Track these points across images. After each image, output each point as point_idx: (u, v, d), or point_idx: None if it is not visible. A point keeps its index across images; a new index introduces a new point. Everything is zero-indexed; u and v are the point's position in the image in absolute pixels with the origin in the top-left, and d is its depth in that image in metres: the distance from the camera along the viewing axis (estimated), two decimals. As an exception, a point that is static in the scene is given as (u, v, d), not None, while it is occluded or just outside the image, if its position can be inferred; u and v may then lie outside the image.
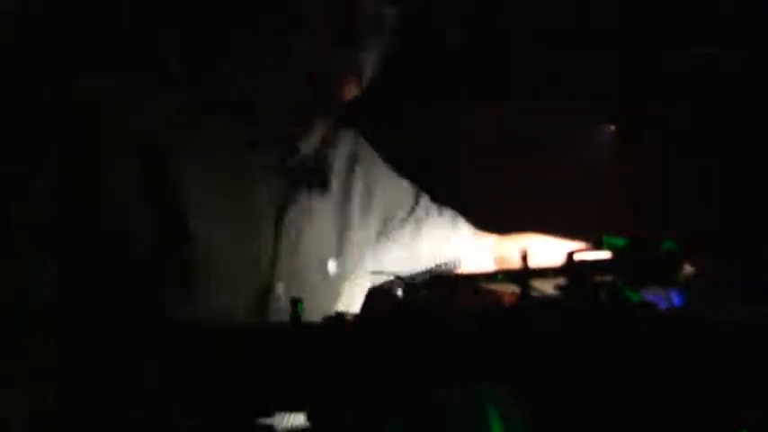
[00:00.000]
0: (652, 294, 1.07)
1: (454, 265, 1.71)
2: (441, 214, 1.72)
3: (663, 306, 1.06)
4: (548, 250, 1.65)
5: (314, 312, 1.39)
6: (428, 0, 1.55)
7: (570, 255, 1.06)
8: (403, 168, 1.76)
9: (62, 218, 1.32)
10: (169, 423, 1.34)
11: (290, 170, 1.46)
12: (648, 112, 2.15)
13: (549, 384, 0.97)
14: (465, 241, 1.72)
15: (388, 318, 1.04)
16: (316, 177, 1.50)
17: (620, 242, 1.07)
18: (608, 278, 1.04)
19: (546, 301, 1.05)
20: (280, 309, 1.40)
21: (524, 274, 1.07)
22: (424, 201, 1.71)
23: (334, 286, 1.51)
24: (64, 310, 1.31)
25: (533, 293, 1.07)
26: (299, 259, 1.46)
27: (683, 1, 2.09)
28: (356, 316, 1.05)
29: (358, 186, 1.61)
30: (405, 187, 1.70)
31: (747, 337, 0.96)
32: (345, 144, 1.62)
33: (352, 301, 1.52)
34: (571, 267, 1.06)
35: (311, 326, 1.06)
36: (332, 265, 1.51)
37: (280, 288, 1.42)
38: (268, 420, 1.08)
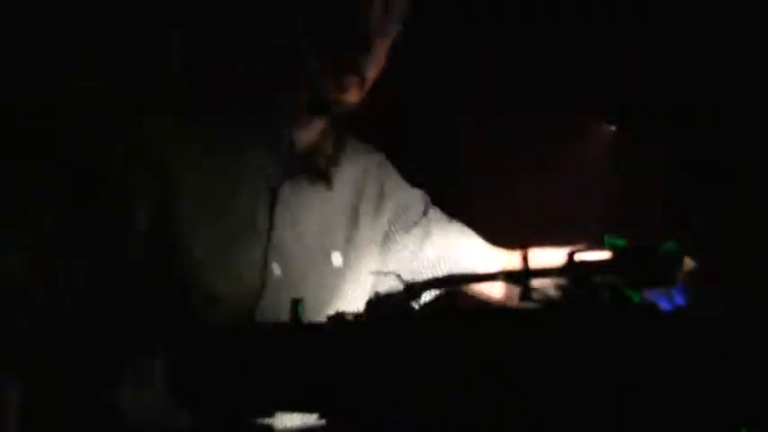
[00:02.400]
0: (655, 294, 1.07)
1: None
2: (450, 222, 1.72)
3: (665, 306, 1.06)
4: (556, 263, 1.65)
5: (317, 304, 1.42)
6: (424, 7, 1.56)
7: (570, 255, 1.06)
8: (399, 162, 1.77)
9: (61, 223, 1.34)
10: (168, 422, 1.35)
11: (284, 160, 1.48)
12: (649, 112, 2.15)
13: (549, 384, 0.97)
14: (475, 250, 1.71)
15: (389, 318, 1.04)
16: (313, 169, 1.52)
17: (621, 242, 1.07)
18: (608, 278, 1.04)
19: (546, 301, 1.05)
20: (280, 293, 1.41)
21: (524, 274, 1.07)
22: (435, 210, 1.72)
23: (337, 279, 1.52)
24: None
25: (534, 294, 1.06)
26: (299, 244, 1.48)
27: (683, 1, 2.10)
28: (357, 316, 1.05)
29: (372, 189, 1.62)
30: (416, 195, 1.71)
31: (747, 336, 0.96)
32: (362, 151, 1.65)
33: (355, 298, 1.52)
34: (571, 267, 1.05)
35: (311, 326, 1.07)
36: (336, 258, 1.53)
37: (276, 269, 1.44)
38: (268, 420, 1.08)
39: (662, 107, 2.15)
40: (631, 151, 2.16)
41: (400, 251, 1.66)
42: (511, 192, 2.18)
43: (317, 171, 1.53)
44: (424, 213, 1.69)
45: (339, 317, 1.05)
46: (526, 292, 1.06)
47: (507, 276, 1.14)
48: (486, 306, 1.62)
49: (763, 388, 0.95)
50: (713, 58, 2.06)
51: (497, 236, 1.82)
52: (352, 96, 1.42)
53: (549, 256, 1.62)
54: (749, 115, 2.10)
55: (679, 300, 1.12)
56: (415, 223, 1.67)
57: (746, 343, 0.96)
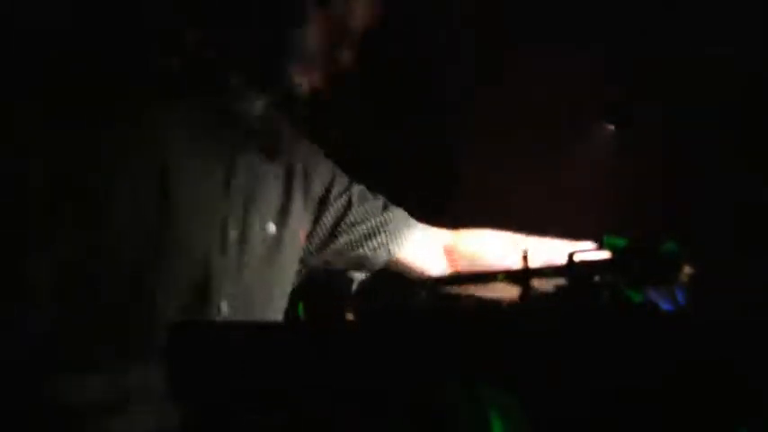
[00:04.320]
0: (655, 294, 1.07)
1: (390, 246, 1.77)
2: (375, 198, 1.80)
3: (666, 306, 1.06)
4: (503, 245, 1.70)
5: (253, 268, 1.55)
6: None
7: (570, 255, 1.06)
8: (401, 170, 1.77)
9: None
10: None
11: (239, 127, 1.55)
12: (648, 112, 2.15)
13: (549, 385, 0.97)
14: (401, 222, 1.78)
15: (388, 318, 1.04)
16: (264, 141, 1.60)
17: (621, 242, 1.07)
18: (608, 278, 1.04)
19: (546, 301, 1.05)
20: (230, 253, 1.52)
21: (524, 274, 1.07)
22: (358, 186, 1.80)
23: (271, 248, 1.60)
24: None
25: (534, 294, 1.07)
26: (246, 214, 1.56)
27: (683, 1, 2.10)
28: (358, 315, 1.05)
29: (299, 167, 1.70)
30: (339, 173, 1.79)
31: (747, 336, 0.96)
32: (294, 134, 1.71)
33: (285, 264, 1.63)
34: (571, 267, 1.05)
35: (311, 326, 1.07)
36: (271, 227, 1.62)
37: (233, 230, 1.53)
38: (268, 420, 1.08)
39: (662, 107, 2.15)
40: (631, 151, 2.16)
41: (327, 223, 1.74)
42: (511, 191, 2.18)
43: (269, 146, 1.61)
44: (350, 186, 1.77)
45: (339, 317, 1.05)
46: (526, 292, 1.06)
47: (507, 276, 1.14)
48: (486, 306, 1.62)
49: (761, 388, 0.95)
50: (713, 59, 2.06)
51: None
52: (315, 88, 1.53)
53: (504, 244, 1.69)
54: (749, 115, 2.10)
55: (679, 300, 1.12)
56: (341, 195, 1.75)
57: (746, 343, 0.96)
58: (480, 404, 0.97)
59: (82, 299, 1.44)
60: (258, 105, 1.56)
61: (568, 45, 2.18)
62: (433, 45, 2.28)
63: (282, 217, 1.65)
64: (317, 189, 1.73)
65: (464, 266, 1.76)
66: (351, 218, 1.76)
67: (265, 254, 1.60)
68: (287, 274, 1.66)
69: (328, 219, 1.74)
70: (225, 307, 1.50)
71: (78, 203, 1.45)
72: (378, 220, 1.77)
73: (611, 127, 2.15)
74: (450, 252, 1.78)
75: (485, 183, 2.24)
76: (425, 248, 1.79)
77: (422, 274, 1.76)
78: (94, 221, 1.45)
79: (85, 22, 1.57)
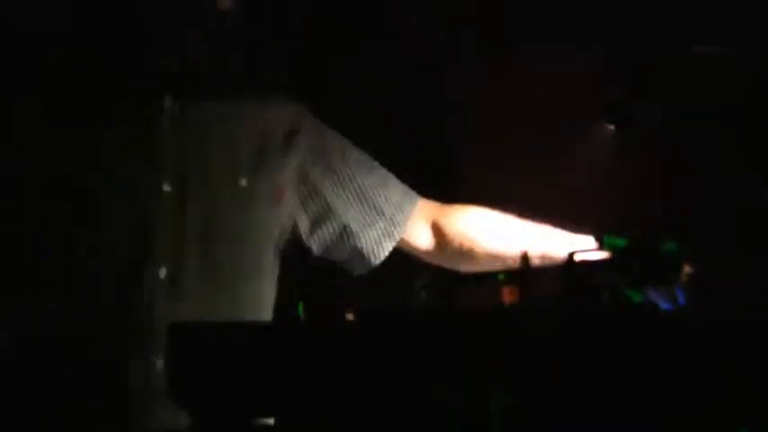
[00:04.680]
0: (657, 294, 1.07)
1: (394, 233, 1.71)
2: (374, 172, 1.72)
3: (666, 306, 1.06)
4: (493, 224, 1.68)
5: (225, 225, 1.52)
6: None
7: (570, 255, 1.06)
8: (400, 164, 1.77)
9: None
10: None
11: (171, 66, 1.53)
12: (648, 112, 2.15)
13: (549, 385, 0.97)
14: (404, 205, 1.72)
15: (388, 318, 1.04)
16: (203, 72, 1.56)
17: (621, 242, 1.07)
18: (608, 278, 1.04)
19: (546, 301, 1.05)
20: (172, 208, 1.49)
21: (524, 274, 1.07)
22: (356, 154, 1.72)
23: (244, 200, 1.56)
24: None
25: (534, 294, 1.06)
26: (198, 162, 1.52)
27: (683, 1, 2.10)
28: (358, 315, 1.05)
29: (282, 121, 1.64)
30: (335, 138, 1.71)
31: (747, 336, 0.96)
32: (280, 98, 1.68)
33: (258, 218, 1.58)
34: (571, 267, 1.05)
35: (311, 326, 1.06)
36: (242, 180, 1.56)
37: (166, 187, 1.49)
38: (267, 420, 1.08)
39: (662, 107, 2.15)
40: (631, 151, 2.16)
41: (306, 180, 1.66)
42: (511, 191, 2.18)
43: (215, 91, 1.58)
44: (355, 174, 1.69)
45: (339, 317, 1.05)
46: (526, 292, 1.06)
47: (507, 276, 1.14)
48: (486, 306, 1.62)
49: (761, 388, 0.95)
50: (713, 58, 2.06)
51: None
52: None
53: (493, 224, 1.67)
54: (749, 115, 2.10)
55: (679, 300, 1.13)
56: (331, 165, 1.67)
57: (746, 343, 0.96)
58: (480, 404, 0.97)
59: (82, 298, 1.45)
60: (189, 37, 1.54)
61: (568, 45, 2.18)
62: (433, 45, 2.28)
63: (253, 166, 1.59)
64: (302, 147, 1.65)
65: (452, 244, 1.73)
66: (348, 194, 1.68)
67: (225, 208, 1.55)
68: (255, 234, 1.59)
69: (322, 186, 1.66)
70: (162, 273, 1.47)
71: (78, 203, 1.46)
72: (380, 201, 1.69)
73: (611, 127, 2.15)
74: (437, 227, 1.74)
75: (485, 183, 2.24)
76: (416, 224, 1.73)
77: (410, 249, 1.72)
78: (94, 221, 1.46)
79: (85, 22, 1.58)
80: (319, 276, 1.76)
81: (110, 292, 1.45)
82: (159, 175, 1.49)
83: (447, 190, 2.00)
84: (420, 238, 1.73)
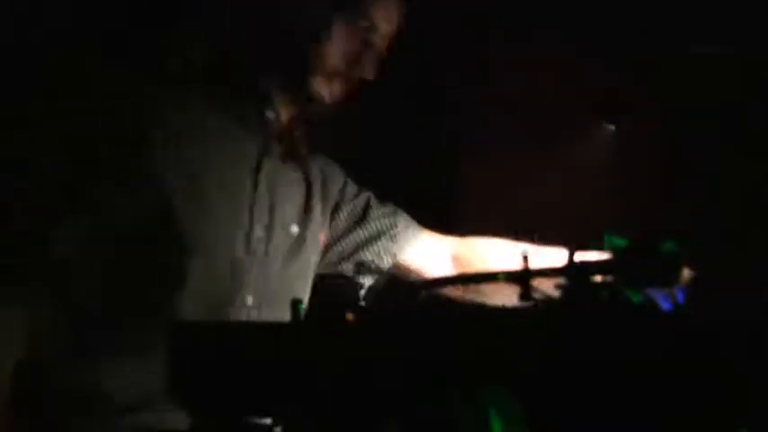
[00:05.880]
0: (657, 294, 1.07)
1: (394, 250, 1.81)
2: (385, 204, 1.84)
3: (665, 306, 1.06)
4: (506, 250, 1.72)
5: (276, 266, 1.63)
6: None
7: (570, 255, 1.06)
8: (401, 170, 1.78)
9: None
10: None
11: (263, 133, 1.63)
12: (648, 111, 2.15)
13: (549, 385, 0.97)
14: (407, 227, 1.83)
15: (388, 319, 1.04)
16: (286, 143, 1.67)
17: (621, 242, 1.07)
18: (608, 278, 1.04)
19: (546, 301, 1.05)
20: (256, 251, 1.59)
21: (525, 274, 1.07)
22: (367, 193, 1.85)
23: (294, 247, 1.68)
24: None
25: (534, 293, 1.06)
26: (271, 216, 1.63)
27: (683, 0, 2.10)
28: (358, 316, 1.05)
29: (316, 172, 1.77)
30: (350, 181, 1.84)
31: (747, 336, 0.96)
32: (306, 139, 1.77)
33: (307, 265, 1.71)
34: (571, 267, 1.05)
35: (311, 326, 1.06)
36: (294, 228, 1.68)
37: (258, 230, 1.60)
38: (268, 420, 1.08)
39: (662, 107, 2.15)
40: (631, 151, 2.16)
41: (340, 226, 1.80)
42: (511, 192, 2.18)
43: (290, 152, 1.68)
44: (359, 193, 1.83)
45: (339, 316, 1.05)
46: (526, 292, 1.06)
47: (507, 276, 1.14)
48: (486, 306, 1.62)
49: (761, 388, 0.95)
50: (713, 58, 2.06)
51: (498, 236, 1.82)
52: (336, 98, 1.61)
53: (507, 252, 1.71)
54: (749, 115, 2.10)
55: (679, 300, 1.12)
56: (352, 200, 1.81)
57: (746, 343, 0.96)
58: (480, 404, 0.97)
59: (105, 298, 1.46)
60: (282, 113, 1.64)
61: (569, 45, 2.18)
62: (434, 45, 2.28)
63: (304, 219, 1.71)
64: (334, 193, 1.79)
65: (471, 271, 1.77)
66: (360, 222, 1.80)
67: (288, 253, 1.66)
68: (308, 272, 1.71)
69: (341, 220, 1.79)
70: (250, 301, 1.56)
71: (91, 203, 1.47)
72: (383, 223, 1.80)
73: (611, 127, 2.15)
74: (458, 260, 1.79)
75: (485, 183, 2.24)
76: (433, 254, 1.80)
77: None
78: (119, 223, 1.48)
79: (87, 21, 1.59)
80: (319, 276, 1.77)
81: (202, 310, 1.50)
82: (254, 223, 1.59)
83: (448, 190, 2.01)
84: (442, 269, 1.77)
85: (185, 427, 1.07)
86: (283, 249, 1.65)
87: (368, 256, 1.78)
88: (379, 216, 1.81)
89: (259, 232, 1.60)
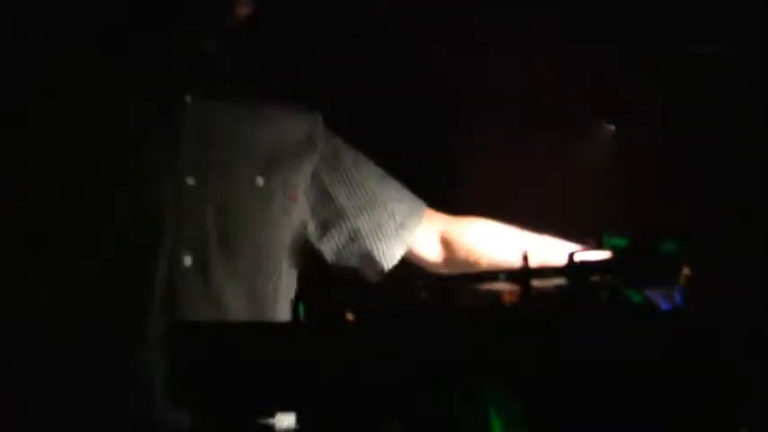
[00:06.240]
0: (657, 294, 1.07)
1: (406, 238, 1.75)
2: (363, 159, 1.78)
3: (665, 306, 1.06)
4: (499, 237, 1.70)
5: (243, 221, 1.56)
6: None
7: (570, 255, 1.06)
8: (400, 164, 1.78)
9: None
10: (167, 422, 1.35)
11: (193, 68, 1.58)
12: (648, 111, 2.15)
13: (549, 385, 0.97)
14: (411, 211, 1.76)
15: (388, 318, 1.04)
16: (227, 79, 1.61)
17: (621, 242, 1.07)
18: (608, 278, 1.04)
19: (546, 301, 1.05)
20: (195, 202, 1.52)
21: (525, 274, 1.07)
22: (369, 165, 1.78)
23: (260, 198, 1.59)
24: None
25: (534, 293, 1.06)
26: (214, 156, 1.55)
27: (684, 0, 2.10)
28: (358, 315, 1.05)
29: (299, 135, 1.68)
30: (349, 151, 1.77)
31: (747, 336, 0.96)
32: (301, 108, 1.72)
33: (275, 218, 1.61)
34: (571, 267, 1.05)
35: (311, 326, 1.07)
36: (259, 180, 1.60)
37: (190, 180, 1.52)
38: (268, 420, 1.08)
39: (662, 107, 2.15)
40: (631, 151, 2.16)
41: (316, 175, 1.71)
42: (511, 192, 2.18)
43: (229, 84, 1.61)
44: (354, 163, 1.75)
45: (339, 316, 1.05)
46: (526, 292, 1.06)
47: (507, 276, 1.14)
48: (486, 306, 1.62)
49: (761, 388, 0.95)
50: (713, 58, 2.06)
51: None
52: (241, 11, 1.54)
53: (500, 235, 1.68)
54: (749, 115, 2.10)
55: (679, 300, 1.13)
56: (343, 171, 1.73)
57: (746, 343, 0.96)
58: (480, 404, 0.97)
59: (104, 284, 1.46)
60: (210, 42, 1.58)
61: (568, 45, 2.18)
62: (434, 45, 2.28)
63: (270, 167, 1.63)
64: (302, 133, 1.71)
65: (459, 255, 1.75)
66: (347, 180, 1.74)
67: (252, 207, 1.59)
68: (278, 230, 1.63)
69: (341, 196, 1.72)
70: (188, 261, 1.50)
71: (103, 190, 1.48)
72: (386, 210, 1.74)
73: (611, 127, 2.15)
74: (446, 240, 1.77)
75: (485, 183, 2.24)
76: (424, 234, 1.78)
77: (418, 260, 1.76)
78: (117, 208, 1.48)
79: (87, 21, 1.59)
80: (319, 277, 1.76)
81: (130, 278, 1.46)
82: (182, 168, 1.52)
83: (447, 189, 2.00)
84: (428, 248, 1.76)
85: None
86: (247, 204, 1.58)
87: (376, 248, 1.72)
88: (384, 197, 1.74)
89: (191, 181, 1.53)
